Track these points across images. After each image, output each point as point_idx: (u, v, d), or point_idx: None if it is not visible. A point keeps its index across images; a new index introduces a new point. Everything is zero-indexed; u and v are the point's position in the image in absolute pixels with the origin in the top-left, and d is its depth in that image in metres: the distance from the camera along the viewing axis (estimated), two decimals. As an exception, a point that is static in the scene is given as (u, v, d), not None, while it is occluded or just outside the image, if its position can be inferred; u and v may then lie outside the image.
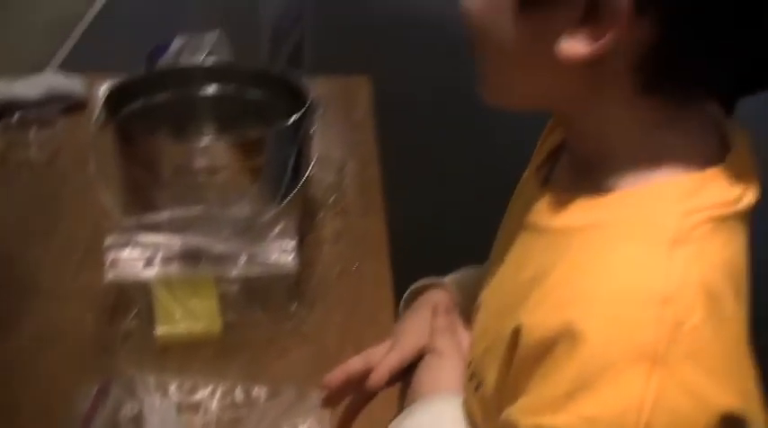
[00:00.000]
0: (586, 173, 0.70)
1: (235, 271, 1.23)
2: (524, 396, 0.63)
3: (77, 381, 1.10)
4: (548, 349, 0.61)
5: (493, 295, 0.78)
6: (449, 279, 1.00)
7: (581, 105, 0.68)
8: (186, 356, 1.17)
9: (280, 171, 1.31)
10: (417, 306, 0.99)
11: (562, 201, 0.69)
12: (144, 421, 1.02)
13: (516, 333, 0.65)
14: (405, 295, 1.03)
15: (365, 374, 0.91)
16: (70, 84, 1.78)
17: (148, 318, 1.19)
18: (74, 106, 1.75)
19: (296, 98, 1.34)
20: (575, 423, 0.59)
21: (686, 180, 0.64)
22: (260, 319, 1.22)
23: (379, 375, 0.90)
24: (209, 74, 1.42)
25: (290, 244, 1.23)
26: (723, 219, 0.63)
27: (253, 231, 1.25)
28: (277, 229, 1.26)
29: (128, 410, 1.04)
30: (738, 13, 0.60)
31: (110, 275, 1.22)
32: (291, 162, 1.31)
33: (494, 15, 0.68)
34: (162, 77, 1.42)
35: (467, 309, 0.91)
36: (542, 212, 0.71)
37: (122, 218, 1.27)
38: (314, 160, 1.34)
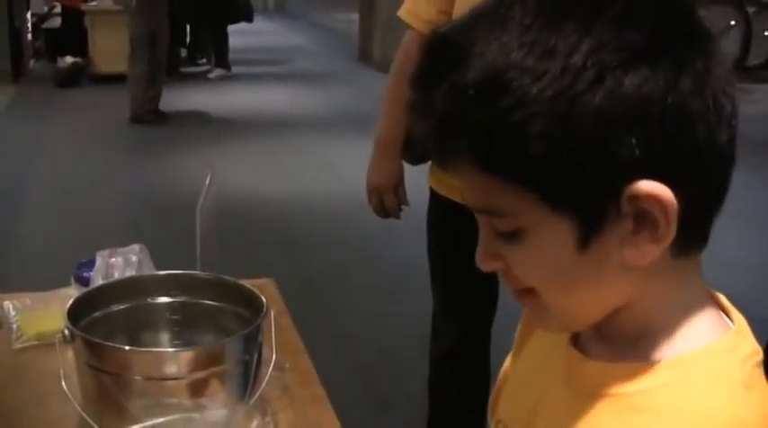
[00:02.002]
0: (628, 344, 0.83)
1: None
2: None
3: None
4: None
5: None
6: None
7: (637, 295, 0.82)
8: None
9: (244, 373, 1.39)
10: None
11: (629, 371, 0.81)
12: None
13: None
14: None
15: None
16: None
17: None
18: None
19: (247, 303, 1.44)
20: None
21: (726, 339, 0.81)
22: None
23: None
24: (163, 283, 1.50)
25: (271, 438, 1.31)
26: (759, 365, 0.80)
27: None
28: (253, 426, 1.34)
29: None
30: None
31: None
32: (254, 363, 1.40)
33: (557, 271, 0.80)
34: (117, 289, 1.49)
35: None
36: (611, 381, 0.82)
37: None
38: (273, 359, 1.44)
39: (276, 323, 1.50)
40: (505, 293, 2.43)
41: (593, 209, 0.76)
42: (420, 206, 2.48)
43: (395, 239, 4.19)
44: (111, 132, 7.28)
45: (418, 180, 2.43)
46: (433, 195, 2.43)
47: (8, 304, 1.82)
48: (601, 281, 0.80)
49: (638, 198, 0.75)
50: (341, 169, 5.94)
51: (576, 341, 0.89)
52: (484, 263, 0.84)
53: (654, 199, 0.74)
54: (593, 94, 0.72)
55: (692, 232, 0.79)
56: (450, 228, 2.41)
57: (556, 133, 0.73)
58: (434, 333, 2.63)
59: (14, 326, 1.74)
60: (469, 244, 2.32)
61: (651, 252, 0.77)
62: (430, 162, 2.30)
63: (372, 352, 3.59)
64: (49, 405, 1.49)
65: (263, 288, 1.88)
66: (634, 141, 0.73)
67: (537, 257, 0.80)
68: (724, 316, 0.84)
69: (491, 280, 2.50)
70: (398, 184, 2.39)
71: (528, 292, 0.83)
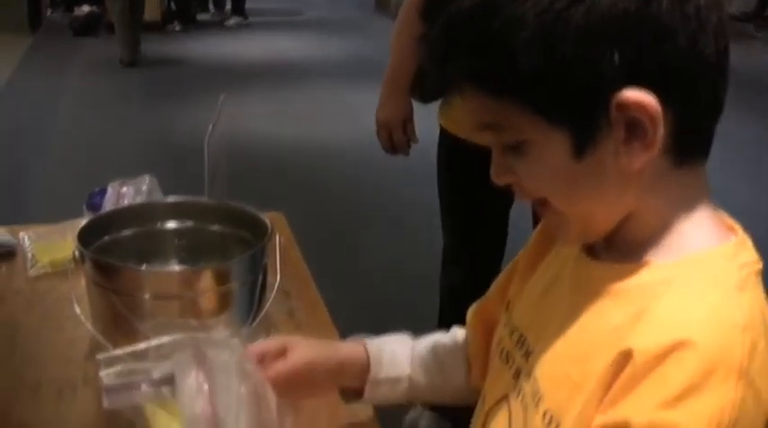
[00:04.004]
0: (633, 249, 0.90)
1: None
2: (633, 401, 0.80)
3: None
4: (661, 360, 0.78)
5: (568, 350, 0.93)
6: (372, 340, 1.24)
7: (640, 204, 0.88)
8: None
9: (249, 294, 1.43)
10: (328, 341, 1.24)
11: (629, 270, 0.88)
12: None
13: (625, 355, 0.81)
14: None
15: (261, 357, 1.15)
16: (-3, 234, 1.84)
17: (148, 439, 1.26)
18: (5, 254, 1.82)
19: (254, 228, 1.48)
20: (685, 419, 0.77)
21: (729, 245, 0.87)
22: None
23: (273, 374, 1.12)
24: (171, 209, 1.54)
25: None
26: (758, 273, 0.86)
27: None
28: (256, 346, 1.37)
29: None
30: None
31: (105, 403, 1.28)
32: (259, 284, 1.44)
33: (559, 180, 0.88)
34: (127, 214, 1.53)
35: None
36: (613, 279, 0.89)
37: (107, 348, 1.35)
38: (277, 282, 1.48)
39: (284, 253, 1.54)
40: (514, 233, 2.49)
41: (584, 119, 0.83)
42: (434, 145, 2.51)
43: (409, 180, 4.21)
44: (127, 78, 7.31)
45: (431, 120, 2.46)
46: (443, 133, 2.46)
47: (23, 234, 1.87)
48: (603, 190, 0.87)
49: (624, 106, 0.81)
50: (357, 114, 5.92)
51: (587, 252, 0.96)
52: (497, 178, 0.92)
53: (639, 106, 0.81)
54: (574, 12, 0.79)
55: (687, 142, 0.85)
56: (459, 165, 2.44)
57: (542, 49, 0.80)
58: (444, 268, 2.67)
59: (29, 255, 1.79)
60: (477, 180, 2.36)
61: (643, 158, 0.83)
62: (440, 101, 2.35)
63: (384, 289, 3.64)
64: (63, 329, 1.54)
65: (273, 220, 1.92)
66: (615, 54, 0.80)
67: (540, 168, 0.88)
68: (727, 231, 0.91)
69: (500, 218, 2.53)
70: (407, 120, 2.41)
71: (543, 204, 0.91)
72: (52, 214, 1.96)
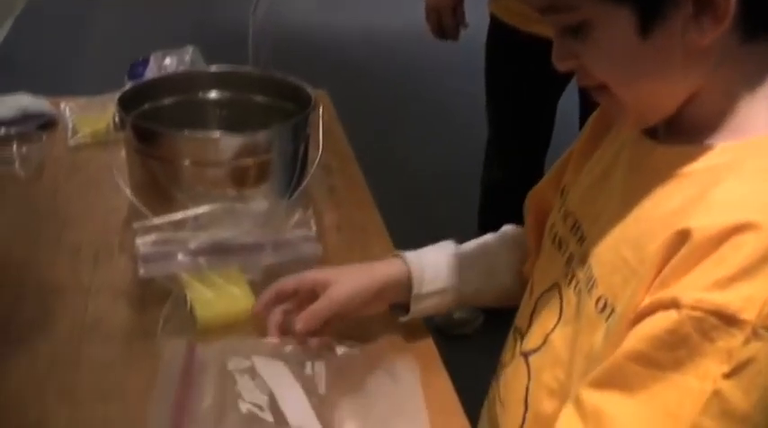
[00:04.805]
0: (695, 132, 0.86)
1: (262, 261, 1.30)
2: (685, 280, 0.77)
3: (125, 365, 1.17)
4: (719, 243, 0.75)
5: (623, 235, 0.90)
6: (411, 253, 1.21)
7: (705, 84, 0.84)
8: (227, 335, 1.23)
9: (289, 166, 1.41)
10: (365, 264, 1.21)
11: (692, 152, 0.85)
12: (258, 371, 1.10)
13: (682, 235, 0.78)
14: None
15: (293, 293, 1.16)
16: (39, 103, 1.82)
17: (184, 305, 1.25)
18: (47, 124, 1.80)
19: (297, 100, 1.44)
20: (733, 300, 0.73)
21: None
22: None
23: (305, 323, 1.12)
24: (213, 79, 1.50)
25: (313, 230, 1.33)
26: None
27: (272, 223, 1.34)
28: (294, 220, 1.35)
29: (236, 363, 1.11)
30: None
31: (141, 271, 1.28)
32: (300, 156, 1.41)
33: (624, 61, 0.84)
34: (168, 83, 1.50)
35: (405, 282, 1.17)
36: (674, 162, 0.86)
37: (145, 216, 1.34)
38: (318, 155, 1.45)
39: (326, 128, 1.51)
40: (559, 129, 2.44)
41: None
42: (483, 34, 2.45)
43: (455, 69, 4.14)
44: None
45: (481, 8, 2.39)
46: (493, 20, 2.41)
47: (64, 105, 1.85)
48: (667, 70, 0.83)
49: None
50: (404, 4, 5.81)
51: (647, 135, 0.93)
52: (559, 63, 0.89)
53: None
54: None
55: (757, 15, 0.80)
56: (508, 54, 2.39)
57: None
58: (487, 160, 2.64)
59: (70, 125, 1.78)
60: (525, 72, 2.32)
61: (712, 34, 0.79)
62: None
63: (425, 177, 3.62)
64: (102, 196, 1.54)
65: (317, 97, 1.89)
66: None
67: (604, 49, 0.83)
68: None
69: (546, 115, 2.49)
70: (457, 3, 2.35)
71: (603, 89, 0.87)
72: (94, 87, 1.93)
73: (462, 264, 1.21)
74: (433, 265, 1.20)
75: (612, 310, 0.88)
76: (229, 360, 1.12)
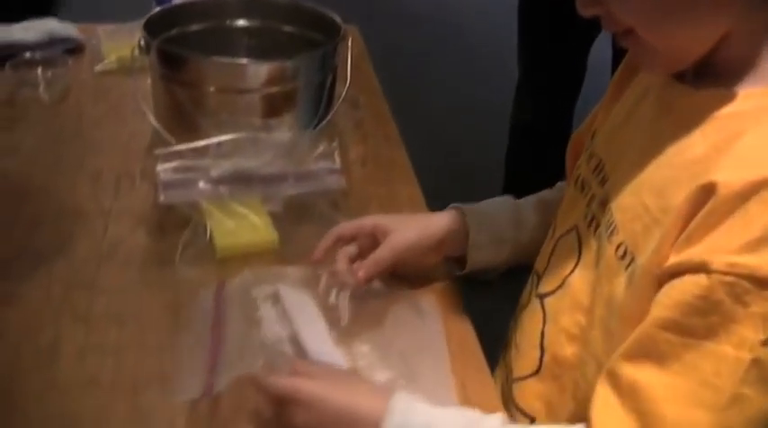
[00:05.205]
0: (723, 77, 0.83)
1: (284, 192, 1.28)
2: (712, 240, 0.74)
3: (141, 291, 1.16)
4: (745, 198, 0.72)
5: (645, 181, 0.88)
6: (469, 206, 1.17)
7: (734, 27, 0.81)
8: (246, 265, 1.21)
9: (315, 97, 1.38)
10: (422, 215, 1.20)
11: (719, 96, 0.82)
12: (281, 299, 1.08)
13: (707, 190, 0.75)
14: None
15: (353, 238, 1.13)
16: (66, 28, 1.80)
17: (204, 234, 1.24)
18: (74, 49, 1.78)
19: (326, 31, 1.41)
20: (765, 262, 0.70)
21: None
22: (310, 232, 1.28)
23: (367, 271, 1.10)
24: (242, 6, 1.47)
25: (337, 163, 1.30)
26: None
27: (295, 154, 1.32)
28: (318, 152, 1.33)
29: (260, 290, 1.09)
30: None
31: (161, 197, 1.26)
32: (327, 88, 1.38)
33: (646, 6, 0.81)
34: (196, 8, 1.47)
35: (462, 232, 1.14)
36: (700, 106, 0.83)
37: (168, 143, 1.32)
38: (345, 88, 1.42)
39: (355, 63, 1.48)
40: (593, 77, 2.39)
41: None
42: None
43: (488, 10, 4.08)
44: None
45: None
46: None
47: (92, 30, 1.84)
48: (695, 13, 0.80)
49: None
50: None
51: (675, 79, 0.90)
52: (583, 8, 0.85)
53: None
54: None
55: None
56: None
57: None
58: (516, 103, 2.60)
59: (96, 51, 1.76)
60: (558, 14, 2.27)
61: None
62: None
63: (454, 121, 3.57)
64: (126, 121, 1.52)
65: (346, 30, 1.85)
66: None
67: None
68: None
69: (578, 59, 2.44)
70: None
71: (629, 33, 0.84)
72: (122, 13, 1.91)
73: (520, 218, 1.19)
74: (491, 218, 1.18)
75: (632, 259, 0.85)
76: (254, 287, 1.10)
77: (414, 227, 1.15)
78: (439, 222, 1.17)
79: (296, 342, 1.02)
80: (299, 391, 0.89)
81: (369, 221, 1.15)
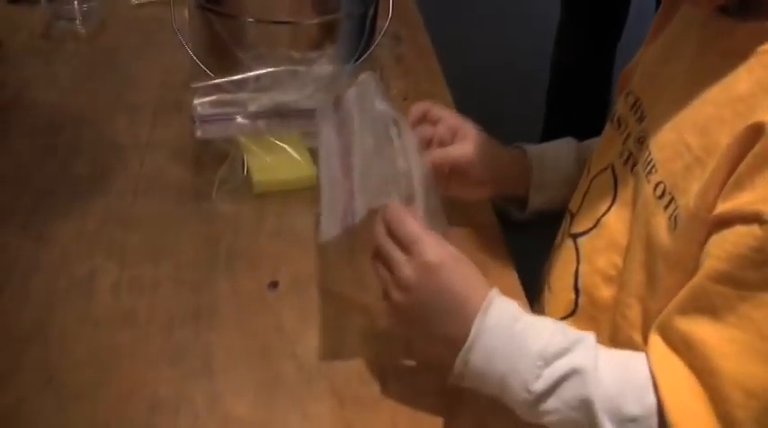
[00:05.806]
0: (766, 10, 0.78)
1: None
2: (763, 188, 0.70)
3: (177, 225, 1.14)
4: None
5: (686, 118, 0.83)
6: (532, 146, 1.14)
7: None
8: (284, 201, 1.19)
9: (356, 30, 1.34)
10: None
11: (761, 30, 0.77)
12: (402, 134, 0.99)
13: (756, 130, 0.71)
14: None
15: (435, 122, 1.11)
16: (103, -41, 1.77)
17: (241, 169, 1.21)
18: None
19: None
20: None
21: None
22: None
23: (436, 159, 1.06)
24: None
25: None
26: None
27: (336, 88, 1.28)
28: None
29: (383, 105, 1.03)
30: None
31: (198, 132, 1.23)
32: (368, 21, 1.34)
33: None
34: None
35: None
36: (746, 38, 0.78)
37: (206, 76, 1.29)
38: (387, 22, 1.38)
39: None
40: (635, 21, 2.34)
41: None
42: None
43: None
44: None
45: None
46: None
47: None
48: None
49: None
50: None
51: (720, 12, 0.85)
52: None
53: None
54: None
55: None
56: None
57: None
58: (558, 44, 2.55)
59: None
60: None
61: None
62: None
63: (496, 60, 3.54)
64: (163, 54, 1.50)
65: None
66: None
67: None
68: None
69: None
70: None
71: None
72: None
73: (581, 158, 1.14)
74: (555, 157, 1.14)
75: (672, 199, 0.81)
76: (376, 99, 1.04)
77: (487, 141, 1.11)
78: (503, 155, 1.14)
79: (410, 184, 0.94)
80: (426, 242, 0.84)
81: (454, 118, 1.12)
